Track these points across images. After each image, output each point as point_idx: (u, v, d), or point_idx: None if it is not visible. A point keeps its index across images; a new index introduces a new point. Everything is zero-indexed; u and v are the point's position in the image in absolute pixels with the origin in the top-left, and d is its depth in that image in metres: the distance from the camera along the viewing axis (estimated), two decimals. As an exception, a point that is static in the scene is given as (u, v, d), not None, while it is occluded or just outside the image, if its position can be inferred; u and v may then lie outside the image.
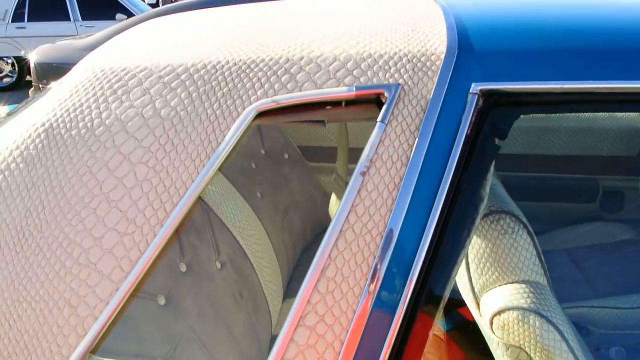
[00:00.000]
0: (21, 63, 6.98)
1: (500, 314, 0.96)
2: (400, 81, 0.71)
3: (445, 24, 0.80)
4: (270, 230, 1.58)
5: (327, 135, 2.11)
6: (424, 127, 0.69)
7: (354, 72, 0.73)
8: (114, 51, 0.89)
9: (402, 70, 0.72)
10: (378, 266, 0.65)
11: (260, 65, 0.75)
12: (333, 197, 1.07)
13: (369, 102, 0.73)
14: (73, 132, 0.75)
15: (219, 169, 0.71)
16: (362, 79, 0.72)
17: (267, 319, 1.51)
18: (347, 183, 1.04)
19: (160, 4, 9.07)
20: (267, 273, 1.59)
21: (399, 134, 0.69)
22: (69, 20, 7.00)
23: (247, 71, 0.74)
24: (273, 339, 1.48)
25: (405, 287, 0.64)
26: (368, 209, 0.66)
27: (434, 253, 0.66)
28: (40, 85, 4.31)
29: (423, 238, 0.65)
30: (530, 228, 1.01)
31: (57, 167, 0.74)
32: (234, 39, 0.83)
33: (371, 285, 0.65)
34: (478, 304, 1.04)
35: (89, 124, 0.74)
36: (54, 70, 4.32)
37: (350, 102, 0.73)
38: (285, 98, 0.72)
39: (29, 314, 0.71)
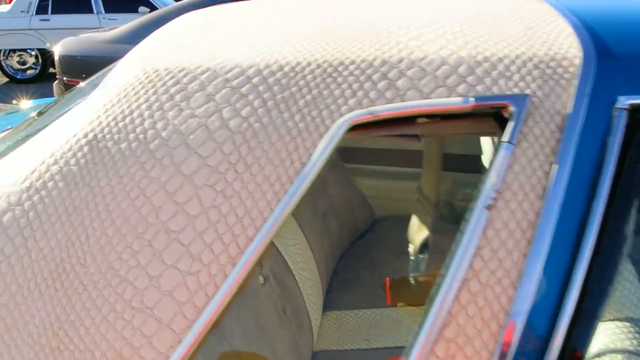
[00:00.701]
0: (45, 55, 6.93)
1: (600, 357, 0.83)
2: (528, 91, 0.57)
3: (566, 22, 0.66)
4: (310, 238, 1.45)
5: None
6: (562, 151, 0.55)
7: (468, 79, 0.59)
8: (164, 47, 0.76)
9: (527, 78, 0.58)
10: (511, 325, 0.51)
11: (351, 68, 0.61)
12: (415, 221, 0.93)
13: (487, 116, 0.59)
14: (122, 146, 0.62)
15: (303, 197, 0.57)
16: (478, 88, 0.59)
17: (309, 334, 1.39)
18: (432, 205, 0.91)
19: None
20: (308, 285, 1.47)
21: (531, 159, 0.55)
22: (92, 12, 6.92)
23: (334, 75, 0.61)
24: (314, 355, 1.36)
25: (547, 352, 0.51)
26: (497, 252, 0.53)
27: (578, 307, 0.52)
28: (64, 78, 4.22)
29: (567, 290, 0.51)
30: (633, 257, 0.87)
31: (104, 187, 0.61)
32: (310, 34, 0.70)
33: (503, 348, 0.51)
34: None
35: (141, 136, 0.62)
36: (78, 63, 4.24)
37: (464, 116, 0.60)
38: (385, 109, 0.58)
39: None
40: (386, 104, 0.59)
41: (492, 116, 0.59)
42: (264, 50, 0.66)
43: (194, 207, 0.58)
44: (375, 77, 0.60)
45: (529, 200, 0.53)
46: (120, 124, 0.63)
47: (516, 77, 0.58)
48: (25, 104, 2.58)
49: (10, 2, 7.27)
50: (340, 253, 1.74)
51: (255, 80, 0.62)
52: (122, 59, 0.82)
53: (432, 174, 0.89)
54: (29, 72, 7.07)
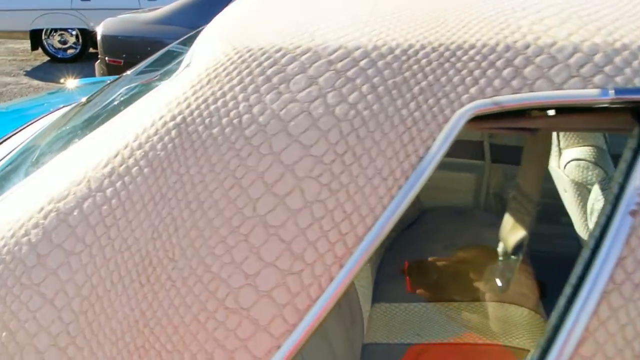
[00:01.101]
0: (85, 35, 6.99)
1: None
2: None
3: None
4: None
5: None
6: None
7: (606, 69, 0.52)
8: (248, 24, 0.70)
9: None
10: None
11: (471, 53, 0.55)
12: (508, 220, 0.87)
13: (626, 111, 0.52)
14: (214, 131, 0.57)
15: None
16: (617, 79, 0.51)
17: (361, 327, 1.35)
18: (532, 205, 0.84)
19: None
20: (361, 276, 1.43)
21: None
22: (133, -7, 6.95)
23: (452, 60, 0.54)
24: (364, 347, 1.32)
25: None
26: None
27: None
28: (106, 58, 4.24)
29: None
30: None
31: (194, 176, 0.56)
32: (417, 14, 0.63)
33: None
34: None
35: (235, 121, 0.57)
36: (120, 43, 4.25)
37: (599, 110, 0.53)
38: (513, 100, 0.52)
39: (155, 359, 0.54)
40: (513, 94, 0.52)
41: (631, 111, 0.52)
42: (368, 31, 0.60)
43: (296, 200, 0.53)
44: (499, 63, 0.54)
45: None
46: (212, 107, 0.58)
47: None
48: (72, 83, 2.58)
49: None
50: (387, 244, 1.69)
51: (362, 63, 0.56)
52: (201, 35, 0.77)
53: (535, 171, 0.82)
54: (70, 51, 7.15)
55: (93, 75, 6.25)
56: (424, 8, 0.64)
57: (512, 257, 0.86)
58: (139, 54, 4.20)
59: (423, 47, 0.56)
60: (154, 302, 0.55)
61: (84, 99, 2.14)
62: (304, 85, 0.56)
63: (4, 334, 0.60)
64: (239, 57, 0.60)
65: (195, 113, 0.58)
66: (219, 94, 0.59)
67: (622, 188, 0.49)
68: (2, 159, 1.18)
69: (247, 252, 0.53)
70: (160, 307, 0.55)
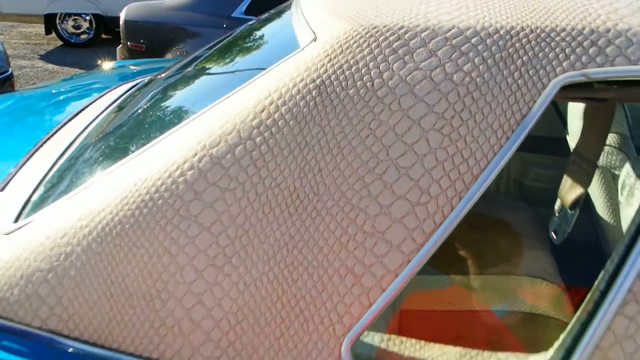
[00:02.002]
0: (99, 20, 7.07)
1: None
2: None
3: None
4: None
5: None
6: None
7: None
8: (363, 5, 0.83)
9: None
10: None
11: (562, 34, 0.68)
12: (567, 180, 1.01)
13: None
14: (350, 92, 0.70)
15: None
16: None
17: None
18: (590, 168, 0.98)
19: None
20: None
21: None
22: (147, -21, 7.02)
23: (547, 40, 0.68)
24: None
25: None
26: None
27: None
28: (128, 43, 4.34)
29: None
30: None
31: (334, 127, 0.70)
32: (511, 3, 0.77)
33: None
34: None
35: (368, 84, 0.70)
36: (142, 29, 4.35)
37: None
38: (597, 72, 0.65)
39: (305, 279, 0.68)
40: (597, 67, 0.66)
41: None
42: (473, 15, 0.74)
43: (422, 147, 0.66)
44: (585, 43, 0.67)
45: None
46: (347, 72, 0.71)
47: None
48: (108, 65, 2.70)
49: None
50: None
51: (473, 40, 0.69)
52: (309, 9, 0.90)
53: (595, 139, 0.95)
54: (83, 36, 7.22)
55: (106, 59, 6.34)
56: (513, 1, 0.78)
57: (570, 211, 1.00)
58: (160, 40, 4.32)
59: (523, 29, 0.69)
60: (301, 228, 0.68)
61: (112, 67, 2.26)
62: (425, 56, 0.70)
63: (165, 256, 0.73)
64: (367, 33, 0.73)
65: (333, 77, 0.72)
66: (352, 62, 0.72)
67: None
68: (87, 126, 1.30)
69: (382, 188, 0.66)
70: (307, 231, 0.68)
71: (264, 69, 0.82)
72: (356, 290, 0.66)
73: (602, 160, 1.47)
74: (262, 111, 0.73)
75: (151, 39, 4.33)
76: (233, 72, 1.04)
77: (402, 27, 0.73)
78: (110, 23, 7.09)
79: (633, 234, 0.62)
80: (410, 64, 0.70)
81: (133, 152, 0.82)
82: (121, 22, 4.39)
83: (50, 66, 6.35)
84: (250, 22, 1.45)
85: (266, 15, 1.45)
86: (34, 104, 1.81)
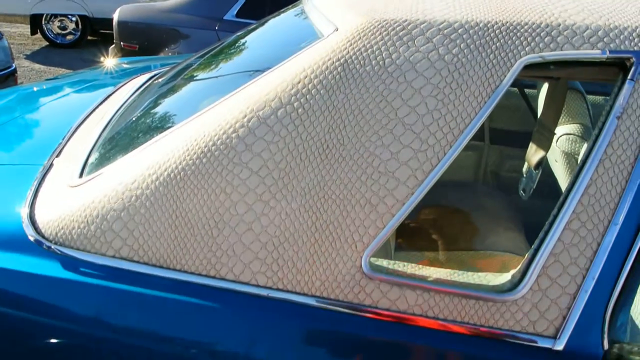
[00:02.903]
0: (85, 22, 7.18)
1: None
2: None
3: None
4: None
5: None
6: None
7: (604, 39, 0.89)
8: (370, 4, 1.05)
9: None
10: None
11: (525, 27, 0.91)
12: (532, 146, 1.24)
13: (617, 65, 0.90)
14: (367, 68, 0.92)
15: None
16: (611, 45, 0.89)
17: None
18: (550, 135, 1.22)
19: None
20: None
21: None
22: (133, -18, 7.16)
23: (514, 31, 0.91)
24: None
25: None
26: (623, 148, 0.83)
27: None
28: (121, 43, 4.50)
29: None
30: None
31: (355, 94, 0.91)
32: (488, 4, 1.00)
33: None
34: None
35: (380, 62, 0.92)
36: (135, 29, 4.51)
37: (602, 64, 0.90)
38: (550, 55, 0.89)
39: (333, 209, 0.89)
40: (550, 52, 0.89)
41: (620, 66, 0.90)
42: (460, 12, 0.97)
43: (422, 109, 0.88)
44: (542, 34, 0.90)
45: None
46: (364, 54, 0.93)
47: (637, 39, 0.89)
48: (111, 62, 2.87)
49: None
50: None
51: (460, 31, 0.92)
52: (326, 7, 1.12)
53: (554, 111, 1.19)
54: (69, 37, 7.31)
55: (92, 60, 6.45)
56: (487, 2, 1.01)
57: (534, 171, 1.24)
58: (153, 41, 4.49)
59: (496, 23, 0.92)
60: (330, 170, 0.90)
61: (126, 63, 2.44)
62: (424, 42, 0.92)
63: (221, 195, 0.93)
64: (379, 24, 0.96)
65: (353, 57, 0.93)
66: (368, 46, 0.94)
67: (611, 106, 0.86)
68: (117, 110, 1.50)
69: (392, 139, 0.88)
70: (335, 173, 0.90)
71: (292, 53, 1.03)
72: (373, 216, 0.88)
73: (567, 147, 1.72)
74: (299, 83, 0.95)
75: (144, 40, 4.49)
76: (266, 54, 1.25)
77: (405, 20, 0.95)
78: (96, 24, 7.21)
79: (579, 168, 0.85)
80: (412, 48, 0.92)
81: (191, 116, 1.02)
82: (114, 22, 4.54)
83: (37, 66, 6.43)
84: (262, 20, 1.66)
85: (273, 15, 1.67)
86: (58, 91, 1.99)
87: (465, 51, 0.91)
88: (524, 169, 1.29)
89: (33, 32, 7.24)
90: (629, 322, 0.87)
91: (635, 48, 0.88)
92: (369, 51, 0.93)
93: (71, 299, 0.98)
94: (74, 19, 7.22)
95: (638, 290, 0.85)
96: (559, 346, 0.83)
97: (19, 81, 5.93)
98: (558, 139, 1.69)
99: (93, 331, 0.97)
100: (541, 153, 1.22)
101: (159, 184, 0.96)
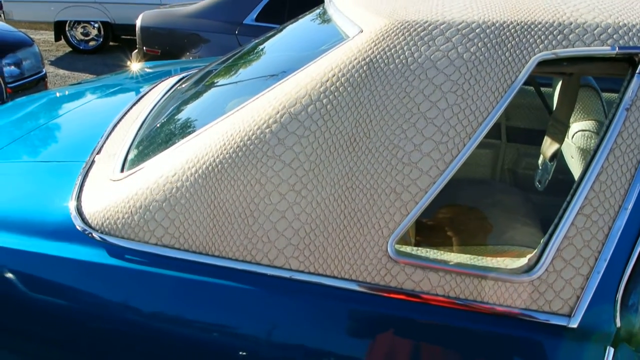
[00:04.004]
0: (107, 28, 7.35)
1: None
2: None
3: None
4: None
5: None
6: None
7: (614, 36, 0.95)
8: (392, 7, 1.12)
9: None
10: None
11: (539, 26, 0.97)
12: (547, 139, 1.30)
13: (626, 61, 0.95)
14: (391, 66, 0.99)
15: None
16: (620, 42, 0.94)
17: None
18: (564, 128, 1.27)
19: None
20: None
21: None
22: (153, -11, 7.32)
23: (528, 30, 0.97)
24: None
25: None
26: (632, 137, 0.89)
27: None
28: (144, 48, 4.62)
29: None
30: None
31: (380, 91, 0.98)
32: (500, 4, 1.06)
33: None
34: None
35: (404, 61, 0.99)
36: (158, 34, 4.63)
37: (611, 59, 0.96)
38: (563, 52, 0.95)
39: (360, 197, 0.96)
40: (563, 49, 0.95)
41: (629, 61, 0.95)
42: (475, 13, 1.03)
43: (443, 104, 0.95)
44: (555, 32, 0.96)
45: None
46: (388, 53, 1.00)
47: None
48: (136, 66, 2.97)
49: None
50: None
51: (477, 30, 0.99)
52: (351, 11, 1.19)
53: (567, 106, 1.25)
54: (91, 43, 7.49)
55: (114, 65, 6.61)
56: (502, 3, 1.07)
57: (549, 163, 1.30)
58: (174, 45, 4.61)
59: (512, 23, 0.98)
60: (357, 161, 0.97)
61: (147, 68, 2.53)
62: (443, 42, 0.99)
63: (256, 185, 1.01)
64: (401, 25, 1.02)
65: (378, 56, 1.00)
66: (391, 46, 1.01)
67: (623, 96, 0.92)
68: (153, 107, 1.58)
69: (415, 132, 0.95)
70: (361, 164, 0.96)
71: (319, 54, 1.10)
72: (397, 204, 0.94)
73: (582, 143, 1.77)
74: (327, 81, 1.02)
75: (166, 44, 4.61)
76: (294, 56, 1.33)
77: (426, 22, 1.02)
78: (118, 30, 7.38)
79: (589, 161, 0.91)
80: (433, 47, 0.99)
81: (226, 114, 1.10)
82: (137, 28, 4.67)
83: (62, 71, 6.60)
84: (286, 24, 1.74)
85: (296, 19, 1.74)
86: (88, 94, 2.09)
87: (482, 49, 0.97)
88: (540, 161, 1.35)
89: (57, 39, 7.43)
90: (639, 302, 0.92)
91: (644, 44, 0.94)
92: (392, 51, 1.00)
93: (117, 285, 1.06)
94: (96, 25, 7.40)
95: None
96: (574, 324, 0.89)
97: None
98: (573, 135, 1.73)
99: (137, 316, 1.05)
100: (556, 145, 1.28)
101: (197, 177, 1.04)
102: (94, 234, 1.09)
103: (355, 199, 0.96)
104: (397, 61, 0.99)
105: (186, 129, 1.22)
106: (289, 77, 1.08)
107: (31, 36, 8.20)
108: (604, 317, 0.89)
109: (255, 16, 4.46)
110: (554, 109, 1.32)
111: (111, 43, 7.63)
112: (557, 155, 1.28)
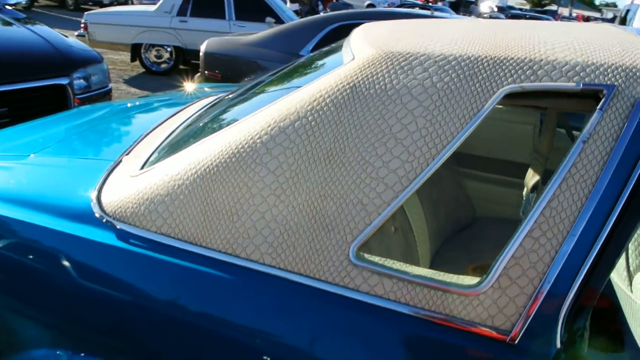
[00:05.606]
0: (178, 52, 7.87)
1: None
2: (616, 83, 0.99)
3: None
4: (427, 214, 1.88)
5: (478, 145, 2.38)
6: (631, 117, 0.96)
7: (581, 74, 1.02)
8: (386, 39, 1.24)
9: (617, 76, 1.00)
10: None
11: (510, 61, 1.06)
12: (530, 171, 1.36)
13: (590, 97, 1.01)
14: (371, 91, 1.10)
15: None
16: (586, 79, 1.01)
17: None
18: (544, 160, 1.33)
19: (301, 12, 9.74)
20: (422, 249, 1.87)
21: (613, 119, 0.96)
22: (224, 19, 7.80)
23: (500, 64, 1.06)
24: None
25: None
26: (587, 169, 0.95)
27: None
28: (205, 72, 4.94)
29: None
30: None
31: (359, 112, 1.09)
32: (483, 41, 1.15)
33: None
34: (631, 281, 1.32)
35: (383, 87, 1.09)
36: (219, 60, 4.95)
37: (576, 95, 1.02)
38: (529, 86, 1.02)
39: (331, 205, 1.06)
40: (530, 83, 1.02)
41: (593, 97, 1.01)
42: (456, 47, 1.12)
43: (413, 126, 1.04)
44: (525, 68, 1.04)
45: (608, 141, 0.95)
46: (370, 79, 1.11)
47: (610, 75, 1.00)
48: (191, 86, 3.21)
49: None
50: (444, 238, 2.14)
51: (452, 62, 1.08)
52: (352, 43, 1.31)
53: (548, 138, 1.30)
54: (163, 65, 8.03)
55: (181, 86, 7.01)
56: (485, 40, 1.16)
57: (531, 194, 1.35)
58: (234, 71, 4.90)
59: (485, 57, 1.07)
60: (331, 173, 1.07)
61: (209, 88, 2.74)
62: (421, 71, 1.09)
63: (243, 188, 1.13)
64: (386, 55, 1.13)
65: (361, 81, 1.11)
66: (374, 72, 1.12)
67: (582, 130, 0.98)
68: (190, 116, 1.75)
69: (385, 150, 1.05)
70: (335, 175, 1.07)
71: (318, 77, 1.23)
72: (362, 214, 1.04)
73: None
74: (314, 100, 1.14)
75: (226, 70, 4.91)
76: (298, 79, 1.46)
77: (408, 53, 1.12)
78: (188, 55, 7.87)
79: (547, 184, 0.97)
80: (410, 76, 1.09)
81: (227, 126, 1.24)
82: (201, 53, 5.01)
83: (133, 90, 7.11)
84: (318, 51, 1.88)
85: (328, 47, 1.89)
86: (142, 107, 2.31)
87: (455, 80, 1.06)
88: (524, 193, 1.39)
89: (132, 60, 8.02)
90: (585, 328, 0.96)
91: (608, 82, 1.00)
92: (374, 77, 1.11)
93: (121, 264, 1.21)
94: (169, 49, 7.93)
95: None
96: (514, 340, 0.94)
97: (116, 102, 6.61)
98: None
99: (133, 293, 1.19)
100: (536, 177, 1.33)
101: (196, 177, 1.18)
102: (106, 219, 1.25)
103: (326, 206, 1.07)
104: (377, 86, 1.10)
105: (196, 137, 1.38)
106: (285, 96, 1.21)
107: (110, 56, 8.89)
108: (545, 337, 0.93)
109: (311, 48, 4.69)
110: (535, 144, 1.37)
111: (181, 66, 8.13)
112: (539, 187, 1.33)
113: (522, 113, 2.20)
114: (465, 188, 2.38)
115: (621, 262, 1.37)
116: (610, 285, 1.57)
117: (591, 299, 0.94)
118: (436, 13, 6.82)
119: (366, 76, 1.12)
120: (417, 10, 5.91)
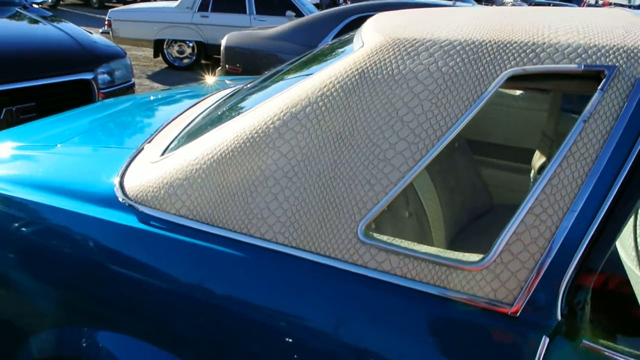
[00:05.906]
0: (200, 47, 7.98)
1: None
2: (617, 64, 1.01)
3: None
4: (442, 201, 1.91)
5: (493, 131, 2.40)
6: (631, 96, 0.98)
7: (583, 56, 1.04)
8: (394, 26, 1.27)
9: (618, 57, 1.02)
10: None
11: (514, 45, 1.08)
12: (537, 154, 1.38)
13: (591, 78, 1.04)
14: (379, 76, 1.14)
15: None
16: (588, 61, 1.03)
17: None
18: (551, 142, 1.35)
19: (321, 5, 9.76)
20: (437, 235, 1.90)
21: (613, 99, 0.99)
22: (245, 13, 7.88)
23: (503, 48, 1.08)
24: None
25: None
26: (587, 147, 0.97)
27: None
28: (227, 66, 5.02)
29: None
30: None
31: (367, 97, 1.13)
32: (488, 26, 1.18)
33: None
34: None
35: (390, 72, 1.13)
36: (239, 54, 5.02)
37: (577, 76, 1.04)
38: (531, 68, 1.05)
39: (340, 186, 1.11)
40: (532, 65, 1.05)
41: (594, 78, 1.03)
42: (462, 33, 1.16)
43: (419, 110, 1.08)
44: (527, 50, 1.07)
45: (609, 120, 0.97)
46: (379, 65, 1.15)
47: (612, 56, 1.02)
48: (211, 79, 3.28)
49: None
50: (460, 226, 2.16)
51: (457, 47, 1.11)
52: (364, 31, 1.35)
53: (553, 121, 1.33)
54: (185, 60, 8.15)
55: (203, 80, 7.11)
56: (490, 25, 1.19)
57: (538, 176, 1.37)
58: (254, 64, 4.96)
59: (489, 42, 1.10)
60: (341, 155, 1.12)
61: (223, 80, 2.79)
62: (426, 57, 1.12)
63: (257, 171, 1.18)
64: (393, 42, 1.17)
65: (369, 67, 1.16)
66: (382, 58, 1.16)
67: (584, 110, 1.00)
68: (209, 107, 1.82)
69: (392, 133, 1.09)
70: (344, 157, 1.11)
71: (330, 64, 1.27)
72: (370, 193, 1.08)
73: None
74: (324, 87, 1.18)
75: (246, 63, 4.98)
76: (312, 67, 1.51)
77: (415, 39, 1.16)
78: (210, 50, 7.98)
79: (549, 162, 1.00)
80: (416, 61, 1.12)
81: (242, 113, 1.29)
82: (222, 47, 5.09)
83: (156, 85, 7.24)
84: (332, 41, 1.92)
85: (342, 37, 1.93)
86: (164, 99, 2.39)
87: (459, 64, 1.09)
88: (531, 175, 1.42)
89: (155, 55, 8.16)
90: (587, 301, 0.99)
91: (609, 63, 1.02)
92: (382, 63, 1.15)
93: (142, 245, 1.28)
94: (191, 44, 8.04)
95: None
96: (515, 313, 0.97)
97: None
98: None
99: (153, 273, 1.25)
100: (543, 159, 1.35)
101: (212, 161, 1.24)
102: (129, 203, 1.32)
103: (335, 187, 1.11)
104: (384, 72, 1.14)
105: (212, 125, 1.43)
106: (297, 83, 1.25)
107: (134, 52, 9.06)
108: (546, 309, 0.97)
109: (330, 40, 4.72)
110: (543, 128, 1.39)
111: (203, 61, 8.24)
112: (545, 167, 1.35)
113: (538, 99, 2.21)
114: (481, 176, 2.40)
115: (630, 242, 1.39)
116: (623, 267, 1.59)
117: (592, 273, 0.97)
118: (458, 3, 6.77)
119: (374, 62, 1.16)
120: (438, 1, 5.87)
